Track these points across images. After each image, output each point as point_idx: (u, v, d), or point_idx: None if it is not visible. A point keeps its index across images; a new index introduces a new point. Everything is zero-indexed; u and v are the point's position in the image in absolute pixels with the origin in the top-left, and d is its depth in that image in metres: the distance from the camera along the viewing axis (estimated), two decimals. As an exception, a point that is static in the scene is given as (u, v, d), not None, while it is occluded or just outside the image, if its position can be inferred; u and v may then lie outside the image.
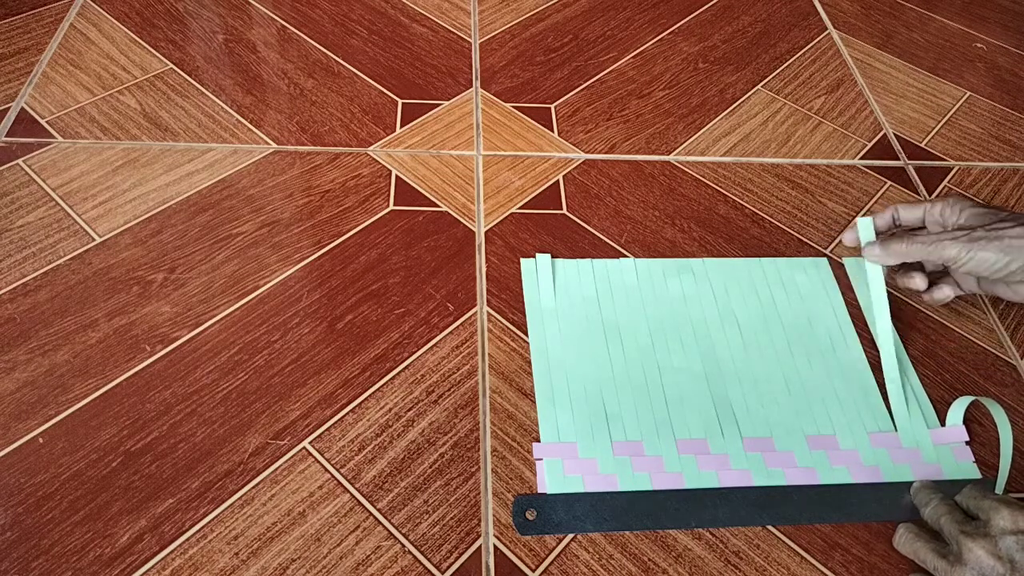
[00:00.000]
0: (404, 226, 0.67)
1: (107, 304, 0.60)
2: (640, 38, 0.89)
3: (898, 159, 0.78)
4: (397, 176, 0.71)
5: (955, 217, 0.58)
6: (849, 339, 0.61)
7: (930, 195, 0.74)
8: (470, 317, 0.61)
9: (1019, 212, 0.57)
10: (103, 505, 0.49)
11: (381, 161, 0.73)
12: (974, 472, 0.54)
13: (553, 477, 0.52)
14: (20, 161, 0.70)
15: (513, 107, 0.79)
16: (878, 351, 0.59)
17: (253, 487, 0.51)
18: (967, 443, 0.55)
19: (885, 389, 0.58)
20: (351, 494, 0.51)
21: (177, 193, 0.68)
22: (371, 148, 0.74)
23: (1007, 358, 0.62)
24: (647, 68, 0.85)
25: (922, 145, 0.79)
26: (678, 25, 0.91)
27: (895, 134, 0.80)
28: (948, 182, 0.76)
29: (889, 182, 0.75)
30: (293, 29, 0.86)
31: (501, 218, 0.68)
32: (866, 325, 0.62)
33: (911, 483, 0.53)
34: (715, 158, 0.76)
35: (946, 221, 0.59)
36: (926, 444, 0.55)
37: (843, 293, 0.64)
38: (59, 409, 0.54)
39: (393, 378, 0.57)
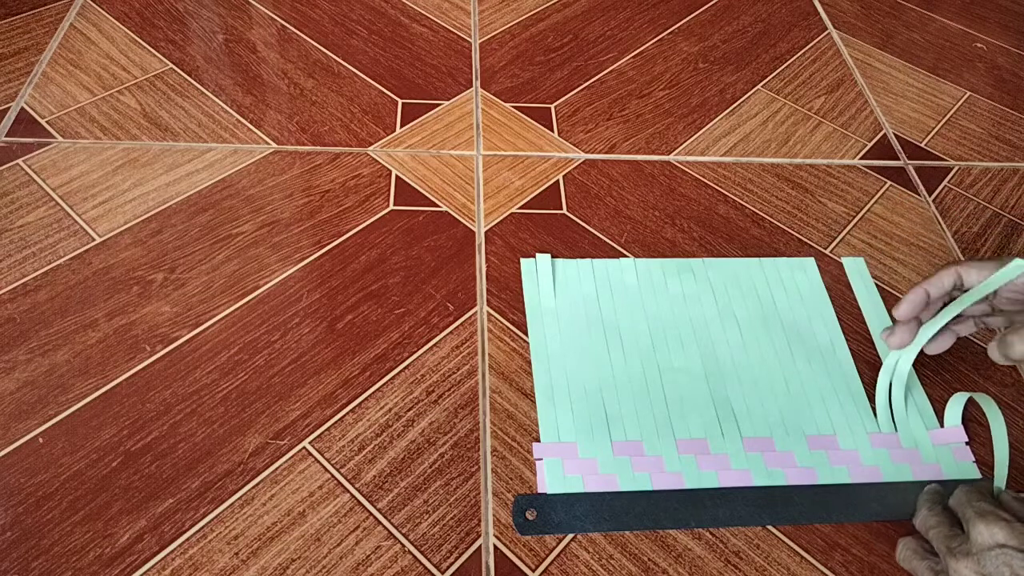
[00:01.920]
0: (404, 226, 0.67)
1: (107, 304, 0.60)
2: (640, 38, 0.89)
3: (898, 159, 0.78)
4: (397, 176, 0.71)
5: None
6: (848, 339, 0.61)
7: (930, 195, 0.74)
8: (470, 317, 0.61)
9: None
10: (103, 505, 0.49)
11: (381, 161, 0.73)
12: (974, 472, 0.54)
13: (553, 477, 0.52)
14: (20, 161, 0.70)
15: (513, 107, 0.79)
16: (875, 351, 0.59)
17: (253, 487, 0.51)
18: (967, 443, 0.55)
19: (875, 391, 0.57)
20: (351, 494, 0.51)
21: (177, 193, 0.68)
22: (371, 148, 0.74)
23: (1007, 358, 0.62)
24: (647, 68, 0.85)
25: (922, 145, 0.79)
26: (678, 25, 0.91)
27: (895, 134, 0.80)
28: (948, 182, 0.76)
29: (889, 182, 0.75)
30: (293, 29, 0.86)
31: (501, 218, 0.68)
32: (859, 324, 0.62)
33: (911, 483, 0.53)
34: (715, 158, 0.76)
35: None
36: (925, 444, 0.55)
37: (846, 292, 0.64)
38: (59, 409, 0.54)
39: (393, 378, 0.57)
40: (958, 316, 0.53)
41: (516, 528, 0.50)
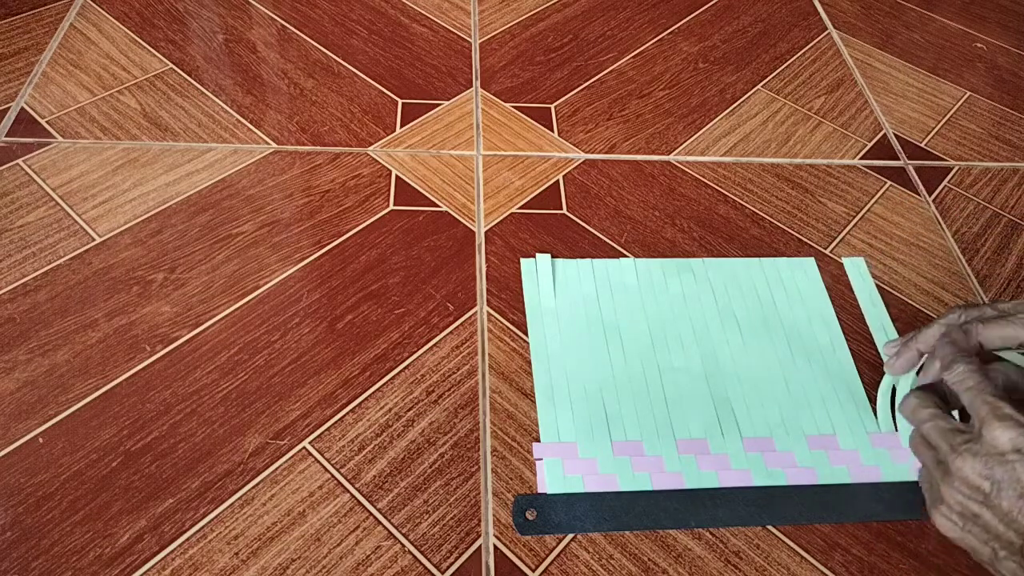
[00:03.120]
0: (404, 226, 0.67)
1: (107, 304, 0.60)
2: (640, 38, 0.89)
3: (898, 159, 0.78)
4: (397, 176, 0.71)
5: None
6: (847, 339, 0.61)
7: (930, 195, 0.74)
8: (470, 317, 0.61)
9: None
10: (103, 505, 0.49)
11: (381, 161, 0.73)
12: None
13: (553, 477, 0.52)
14: (20, 161, 0.70)
15: (513, 107, 0.79)
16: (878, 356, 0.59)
17: (253, 487, 0.51)
18: (967, 443, 0.55)
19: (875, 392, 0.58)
20: (351, 494, 0.51)
21: (177, 193, 0.68)
22: (371, 148, 0.74)
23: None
24: (647, 68, 0.85)
25: (922, 145, 0.79)
26: (678, 25, 0.91)
27: (895, 134, 0.80)
28: (948, 182, 0.76)
29: (889, 182, 0.75)
30: (293, 29, 0.86)
31: (501, 218, 0.68)
32: (859, 324, 0.62)
33: (911, 483, 0.53)
34: (715, 158, 0.76)
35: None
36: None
37: (846, 292, 0.64)
38: (59, 409, 0.54)
39: (393, 378, 0.57)
40: None
41: (516, 528, 0.50)
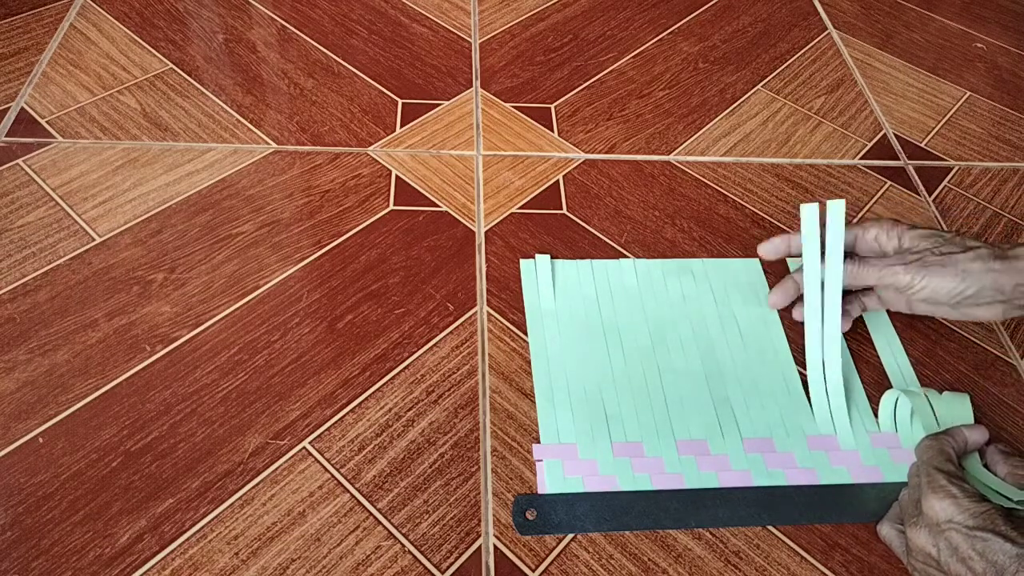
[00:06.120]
0: (404, 226, 0.67)
1: (107, 304, 0.60)
2: (640, 38, 0.89)
3: (898, 159, 0.78)
4: (397, 176, 0.71)
5: (893, 242, 0.56)
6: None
7: (930, 195, 0.74)
8: (470, 317, 0.61)
9: (957, 233, 0.55)
10: (103, 505, 0.49)
11: (381, 161, 0.73)
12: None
13: (553, 479, 0.52)
14: (20, 161, 0.70)
15: (513, 107, 0.79)
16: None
17: (253, 487, 0.51)
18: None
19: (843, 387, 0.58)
20: (351, 494, 0.51)
21: (177, 193, 0.68)
22: (371, 148, 0.74)
23: (1007, 358, 0.62)
24: (647, 68, 0.85)
25: (922, 145, 0.79)
26: (678, 25, 0.91)
27: (895, 134, 0.80)
28: (948, 182, 0.76)
29: (889, 182, 0.75)
30: (293, 29, 0.86)
31: (501, 218, 0.68)
32: (858, 323, 0.62)
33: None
34: (715, 158, 0.76)
35: (883, 247, 0.57)
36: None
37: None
38: (59, 409, 0.54)
39: (393, 378, 0.57)
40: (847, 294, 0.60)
41: (516, 528, 0.50)
